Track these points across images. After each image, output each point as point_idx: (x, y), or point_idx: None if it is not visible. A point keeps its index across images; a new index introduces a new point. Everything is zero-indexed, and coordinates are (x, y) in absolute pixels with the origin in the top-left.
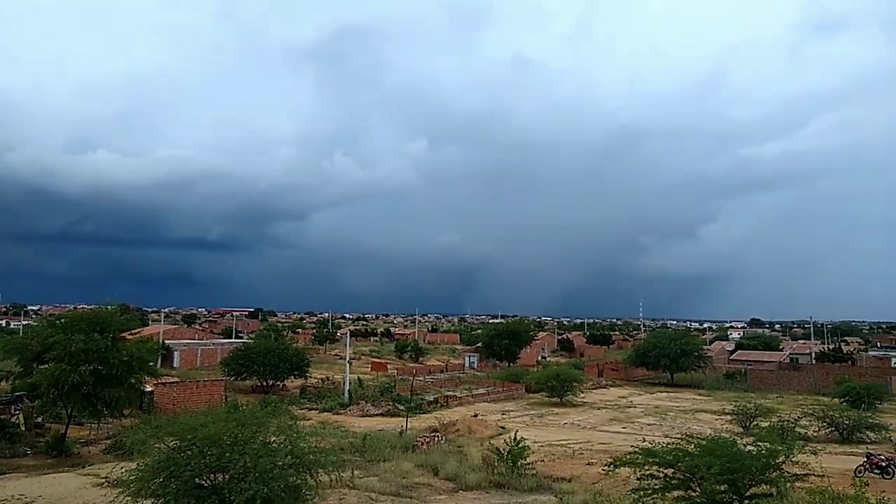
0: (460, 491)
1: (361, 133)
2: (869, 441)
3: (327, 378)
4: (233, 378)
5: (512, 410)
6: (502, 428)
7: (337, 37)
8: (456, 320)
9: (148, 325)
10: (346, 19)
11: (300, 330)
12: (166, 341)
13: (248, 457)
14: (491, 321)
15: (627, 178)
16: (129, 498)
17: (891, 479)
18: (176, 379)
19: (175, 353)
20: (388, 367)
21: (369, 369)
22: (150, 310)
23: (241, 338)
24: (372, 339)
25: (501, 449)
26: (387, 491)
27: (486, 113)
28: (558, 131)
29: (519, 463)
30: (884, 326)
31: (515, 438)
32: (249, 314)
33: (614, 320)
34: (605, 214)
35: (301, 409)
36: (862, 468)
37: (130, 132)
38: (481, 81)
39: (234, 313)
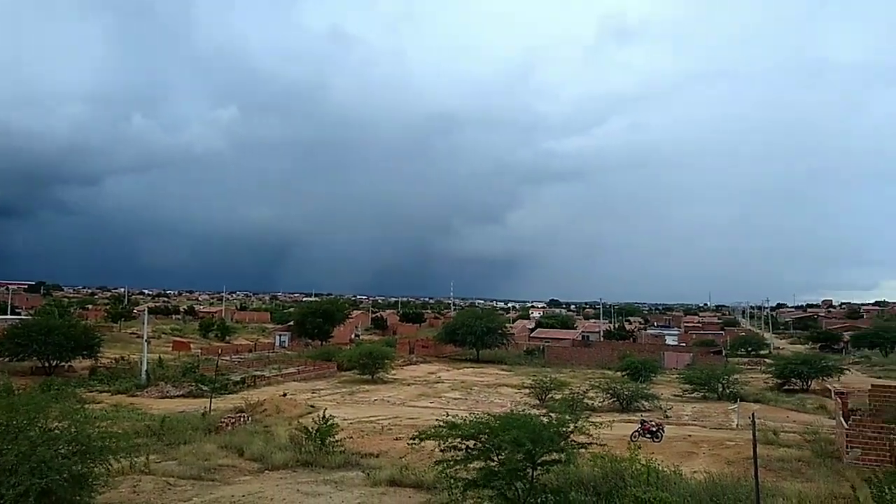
0: (266, 471)
1: (165, 95)
2: (644, 409)
3: (122, 358)
4: (7, 359)
5: (323, 389)
6: (312, 406)
7: None
8: (267, 298)
9: None
10: None
11: (91, 306)
12: None
13: (23, 446)
14: (304, 299)
15: (441, 163)
16: None
17: (659, 441)
18: None
19: None
20: (192, 346)
21: (170, 349)
22: None
23: (19, 314)
24: (174, 316)
25: (310, 427)
26: (187, 475)
27: (303, 85)
28: (376, 110)
29: (327, 441)
30: (660, 308)
31: (324, 416)
32: (29, 288)
33: (427, 299)
34: (420, 196)
35: (90, 392)
36: (636, 433)
37: None
38: (299, 52)
39: (10, 286)
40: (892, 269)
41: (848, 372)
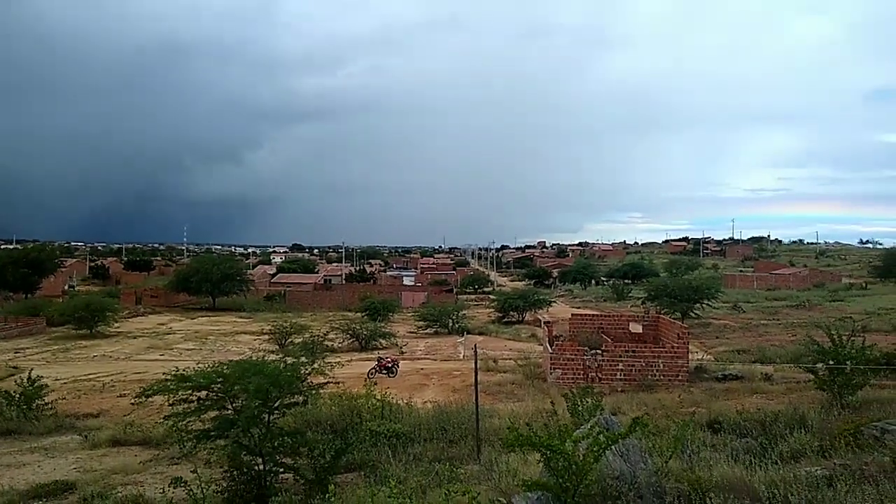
0: None
1: None
2: (381, 347)
3: None
4: None
5: (28, 348)
6: (14, 368)
7: None
8: None
9: None
10: None
11: None
12: None
13: None
14: (2, 247)
15: (170, 95)
16: None
17: (394, 376)
18: None
19: None
20: None
21: None
22: None
23: None
24: None
25: (11, 391)
26: None
27: None
28: (89, 30)
29: (34, 404)
30: (399, 251)
31: (30, 377)
32: None
33: (157, 245)
34: (144, 131)
35: None
36: (373, 370)
37: None
38: None
39: None
40: (594, 214)
41: (555, 303)
